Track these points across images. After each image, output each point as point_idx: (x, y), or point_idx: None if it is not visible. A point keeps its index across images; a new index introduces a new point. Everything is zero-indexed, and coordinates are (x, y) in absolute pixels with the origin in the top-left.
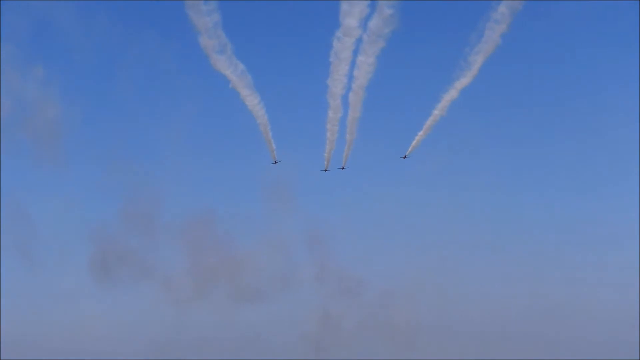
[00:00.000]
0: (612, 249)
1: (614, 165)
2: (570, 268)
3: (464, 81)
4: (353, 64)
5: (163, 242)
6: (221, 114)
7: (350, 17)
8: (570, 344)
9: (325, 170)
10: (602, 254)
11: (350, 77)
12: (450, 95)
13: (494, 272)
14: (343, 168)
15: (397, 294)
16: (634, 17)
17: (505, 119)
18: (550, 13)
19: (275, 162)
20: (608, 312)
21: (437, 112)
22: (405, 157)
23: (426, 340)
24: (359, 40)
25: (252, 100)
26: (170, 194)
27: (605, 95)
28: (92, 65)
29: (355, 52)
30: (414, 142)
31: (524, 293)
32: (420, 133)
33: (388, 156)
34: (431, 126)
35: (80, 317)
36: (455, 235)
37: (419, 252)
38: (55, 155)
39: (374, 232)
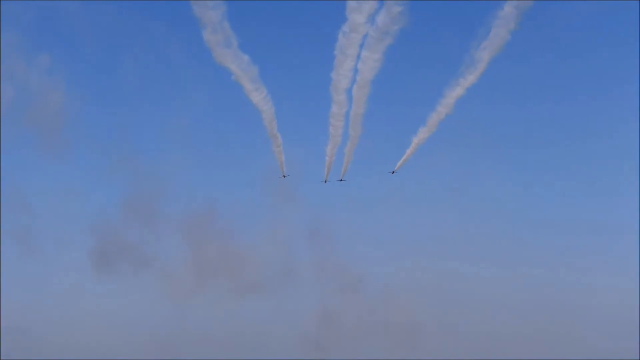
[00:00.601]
0: (613, 249)
1: (617, 165)
2: (570, 268)
3: (470, 79)
4: (358, 59)
5: (164, 235)
6: (225, 106)
7: (357, 14)
8: (570, 344)
9: (325, 181)
10: (603, 253)
11: (355, 72)
12: (456, 92)
13: (496, 270)
14: (341, 180)
15: (398, 291)
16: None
17: (509, 118)
18: (549, 12)
19: (284, 176)
20: (608, 312)
21: (442, 110)
22: (393, 172)
23: (427, 339)
24: (366, 36)
25: (257, 95)
26: (172, 186)
27: (606, 95)
28: (96, 55)
29: (362, 47)
30: (404, 156)
31: (524, 292)
32: (424, 129)
33: (391, 152)
34: (436, 124)
35: (79, 309)
36: (457, 233)
37: (420, 248)
38: (57, 145)
39: (375, 228)
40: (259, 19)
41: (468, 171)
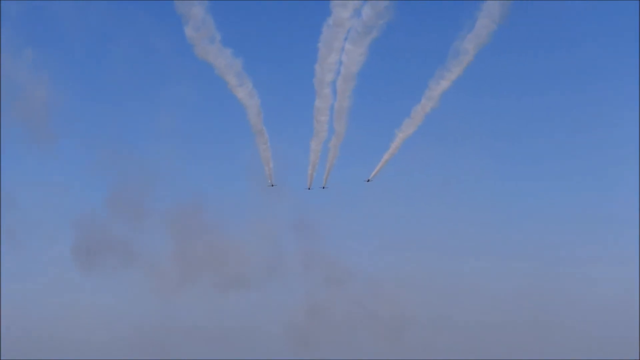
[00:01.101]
0: (611, 245)
1: (612, 160)
2: (567, 265)
3: (456, 71)
4: (343, 52)
5: (149, 229)
6: (211, 100)
7: (342, 8)
8: (566, 341)
9: (309, 188)
10: (601, 250)
11: (340, 65)
12: (442, 85)
13: (487, 264)
14: (324, 187)
15: (386, 285)
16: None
17: (497, 111)
18: (548, 11)
19: (272, 185)
20: (607, 308)
21: (428, 103)
22: (368, 180)
23: (416, 333)
24: (350, 29)
25: (241, 90)
26: (158, 180)
27: (604, 93)
28: (82, 49)
29: (346, 40)
30: (380, 164)
31: (517, 286)
32: (409, 123)
33: (378, 145)
34: (422, 117)
35: (62, 306)
36: (447, 226)
37: (408, 242)
38: (42, 139)
39: (362, 221)
40: (243, 13)
41: (455, 164)
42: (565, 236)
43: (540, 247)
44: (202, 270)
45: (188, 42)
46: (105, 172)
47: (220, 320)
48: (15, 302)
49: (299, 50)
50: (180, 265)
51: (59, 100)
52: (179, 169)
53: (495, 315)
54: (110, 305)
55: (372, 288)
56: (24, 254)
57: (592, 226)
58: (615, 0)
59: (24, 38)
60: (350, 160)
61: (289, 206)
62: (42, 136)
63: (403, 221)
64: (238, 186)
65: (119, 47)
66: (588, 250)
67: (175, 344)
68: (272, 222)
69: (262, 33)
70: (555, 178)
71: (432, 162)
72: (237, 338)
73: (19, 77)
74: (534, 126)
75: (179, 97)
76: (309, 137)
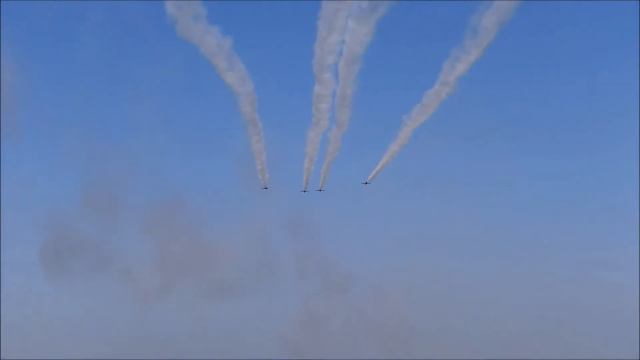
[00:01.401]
0: (612, 246)
1: (616, 161)
2: (568, 266)
3: (475, 53)
4: (345, 31)
5: (126, 230)
6: (197, 85)
7: None
8: (570, 344)
9: (305, 191)
10: (602, 251)
11: (342, 47)
12: (458, 70)
13: (493, 268)
14: (320, 190)
15: (388, 291)
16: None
17: (500, 109)
18: (548, 11)
19: (266, 188)
20: (608, 312)
21: (442, 89)
22: (366, 183)
23: (421, 342)
24: (354, 6)
25: (232, 75)
26: (135, 175)
27: (604, 93)
28: (49, 26)
29: (349, 18)
30: (377, 167)
31: (521, 292)
32: (420, 113)
33: (384, 136)
34: (435, 105)
35: (29, 315)
36: (450, 229)
37: (411, 245)
38: (4, 130)
39: (362, 222)
40: None
41: (456, 162)
42: (572, 239)
43: (549, 250)
44: (184, 275)
45: (169, 20)
46: (75, 166)
47: (205, 332)
48: None
49: (296, 30)
50: (160, 270)
51: (23, 86)
52: (158, 162)
53: (500, 321)
54: (81, 314)
55: (374, 295)
56: None
57: (593, 226)
58: (615, 0)
59: None
60: (353, 155)
61: (282, 204)
62: (4, 126)
63: (408, 222)
64: (225, 182)
65: (91, 25)
66: (588, 250)
67: (154, 358)
68: (264, 221)
69: (254, 9)
70: (556, 178)
71: (434, 159)
72: (223, 351)
73: None
74: (535, 126)
75: (159, 83)
76: (307, 127)
